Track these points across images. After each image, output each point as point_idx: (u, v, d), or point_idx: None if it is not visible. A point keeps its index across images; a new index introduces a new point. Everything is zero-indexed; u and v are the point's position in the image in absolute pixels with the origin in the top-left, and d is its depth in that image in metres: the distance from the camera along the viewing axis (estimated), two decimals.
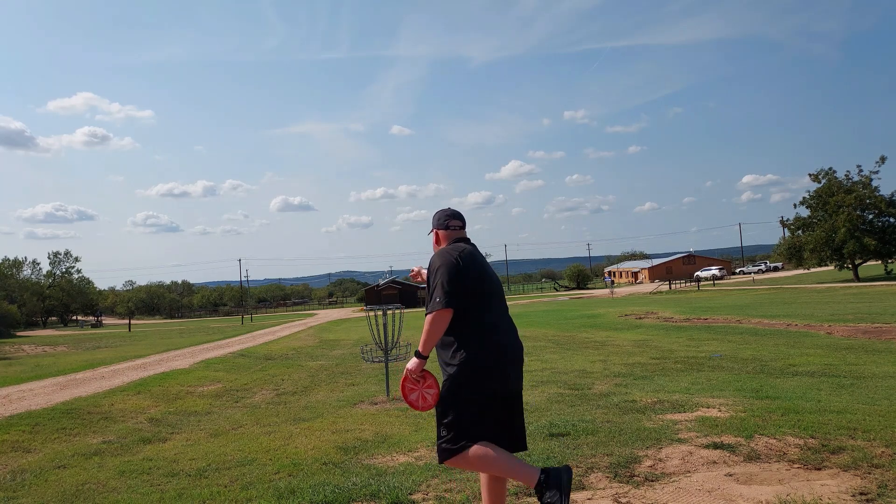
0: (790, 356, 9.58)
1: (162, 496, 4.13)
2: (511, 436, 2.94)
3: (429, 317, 2.85)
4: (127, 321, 65.05)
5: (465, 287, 2.88)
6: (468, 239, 3.18)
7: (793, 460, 4.00)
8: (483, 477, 3.02)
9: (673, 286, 54.23)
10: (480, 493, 3.14)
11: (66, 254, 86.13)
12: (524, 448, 3.01)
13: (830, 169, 42.12)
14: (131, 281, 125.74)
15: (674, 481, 3.74)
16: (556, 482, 2.73)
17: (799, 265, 45.57)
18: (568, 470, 2.80)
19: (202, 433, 6.42)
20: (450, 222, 3.18)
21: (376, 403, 7.53)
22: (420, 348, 2.87)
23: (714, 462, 4.06)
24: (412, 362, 2.91)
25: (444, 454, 2.86)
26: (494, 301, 3.01)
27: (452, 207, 3.28)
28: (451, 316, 2.84)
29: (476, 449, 2.80)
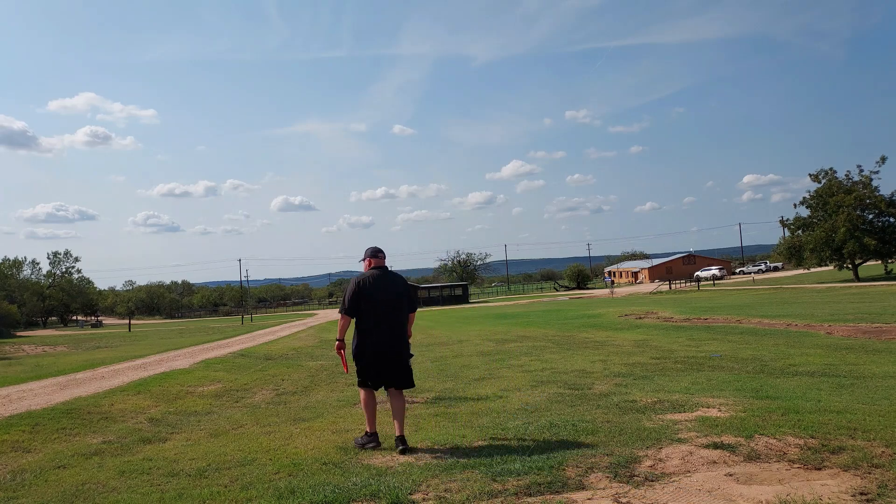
0: (790, 356, 9.58)
1: (162, 496, 4.13)
2: (390, 384, 5.11)
3: (339, 316, 5.15)
4: (127, 321, 65.03)
5: (357, 303, 4.98)
6: (383, 267, 5.17)
7: (793, 460, 4.00)
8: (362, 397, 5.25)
9: (673, 286, 54.21)
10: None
11: (66, 254, 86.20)
12: (408, 385, 5.17)
13: (831, 169, 42.15)
14: (131, 281, 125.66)
15: (674, 481, 3.74)
16: (374, 443, 5.08)
17: (799, 265, 45.57)
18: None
19: (202, 433, 6.42)
20: (375, 255, 5.19)
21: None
22: (337, 335, 5.17)
23: (714, 462, 4.06)
24: (336, 343, 5.23)
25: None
26: (378, 313, 4.98)
27: (376, 246, 5.20)
28: (350, 320, 5.06)
29: (361, 391, 5.23)
